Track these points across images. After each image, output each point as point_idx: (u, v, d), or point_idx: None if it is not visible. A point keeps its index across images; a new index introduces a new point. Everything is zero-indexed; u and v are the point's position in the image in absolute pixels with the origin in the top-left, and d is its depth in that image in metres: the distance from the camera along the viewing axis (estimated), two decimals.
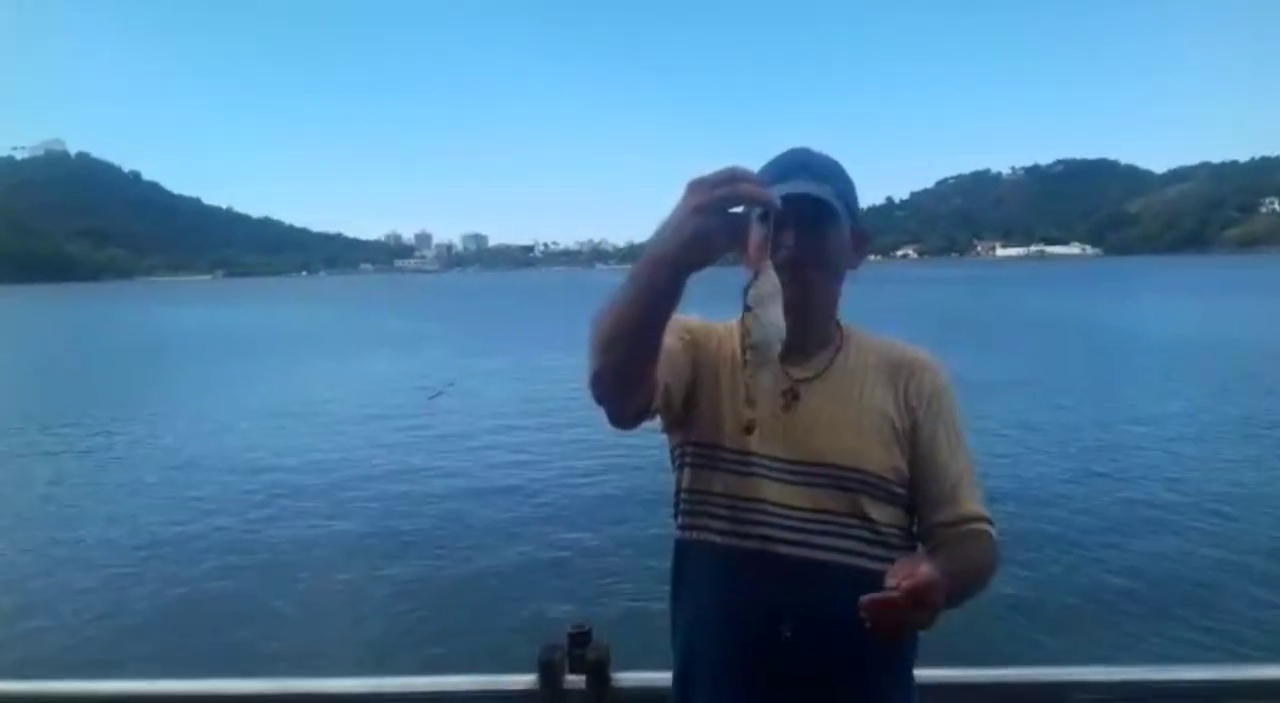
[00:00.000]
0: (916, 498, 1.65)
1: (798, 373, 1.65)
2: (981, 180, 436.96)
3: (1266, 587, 7.64)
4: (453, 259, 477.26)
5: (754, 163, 1.61)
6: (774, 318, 1.31)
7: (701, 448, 1.67)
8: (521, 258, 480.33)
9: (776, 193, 1.44)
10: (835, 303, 1.70)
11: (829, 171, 1.66)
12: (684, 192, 1.26)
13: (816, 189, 1.58)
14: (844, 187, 1.66)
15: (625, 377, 1.46)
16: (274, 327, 51.08)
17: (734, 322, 1.69)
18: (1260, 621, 6.98)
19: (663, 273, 1.29)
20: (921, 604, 1.27)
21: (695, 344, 1.68)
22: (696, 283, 1.39)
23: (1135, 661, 6.05)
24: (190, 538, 9.68)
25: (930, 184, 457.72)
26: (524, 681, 1.77)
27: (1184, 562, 8.33)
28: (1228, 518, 9.64)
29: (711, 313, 1.73)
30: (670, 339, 1.54)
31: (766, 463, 1.61)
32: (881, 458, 1.62)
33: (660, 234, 1.28)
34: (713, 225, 1.24)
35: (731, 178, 1.25)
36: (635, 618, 6.44)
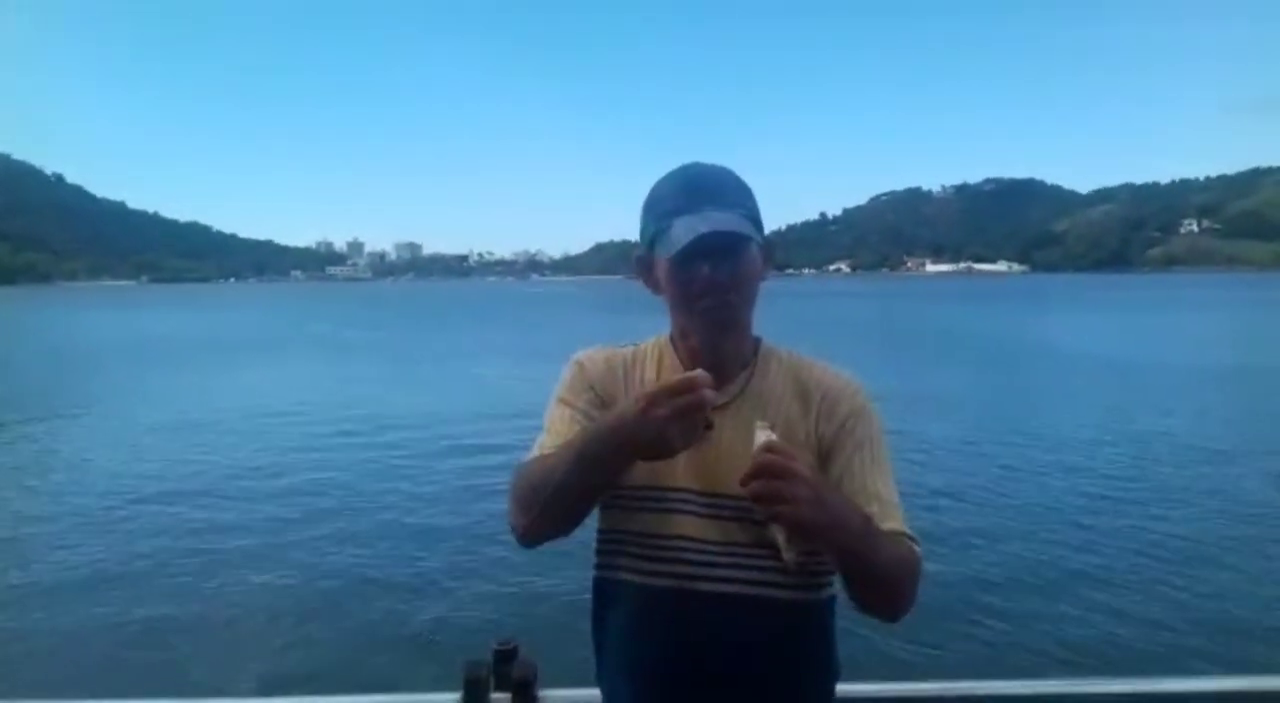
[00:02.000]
0: None
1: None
2: (913, 197, 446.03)
3: (1176, 601, 7.78)
4: (385, 267, 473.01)
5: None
6: None
7: (617, 488, 1.61)
8: (456, 267, 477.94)
9: (690, 230, 1.49)
10: (750, 322, 1.66)
11: (731, 192, 1.58)
12: (642, 399, 1.32)
13: (730, 222, 1.51)
14: (749, 203, 1.60)
15: (558, 533, 1.53)
16: (200, 334, 49.32)
17: (646, 344, 1.73)
18: (1168, 633, 7.10)
19: (616, 462, 1.39)
20: (777, 473, 1.27)
21: (603, 407, 1.65)
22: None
23: (1048, 674, 6.22)
24: (97, 554, 9.35)
25: (863, 201, 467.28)
26: (448, 699, 1.74)
27: (1097, 576, 8.40)
28: (1140, 532, 9.79)
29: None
30: (585, 424, 1.59)
31: (679, 497, 1.59)
32: None
33: (615, 426, 1.36)
34: (673, 430, 1.29)
35: (690, 386, 1.30)
36: (563, 635, 6.14)
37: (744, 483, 1.29)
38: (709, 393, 1.29)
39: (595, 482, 1.43)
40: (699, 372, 1.32)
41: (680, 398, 1.29)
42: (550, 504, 1.45)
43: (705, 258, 1.52)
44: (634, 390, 1.63)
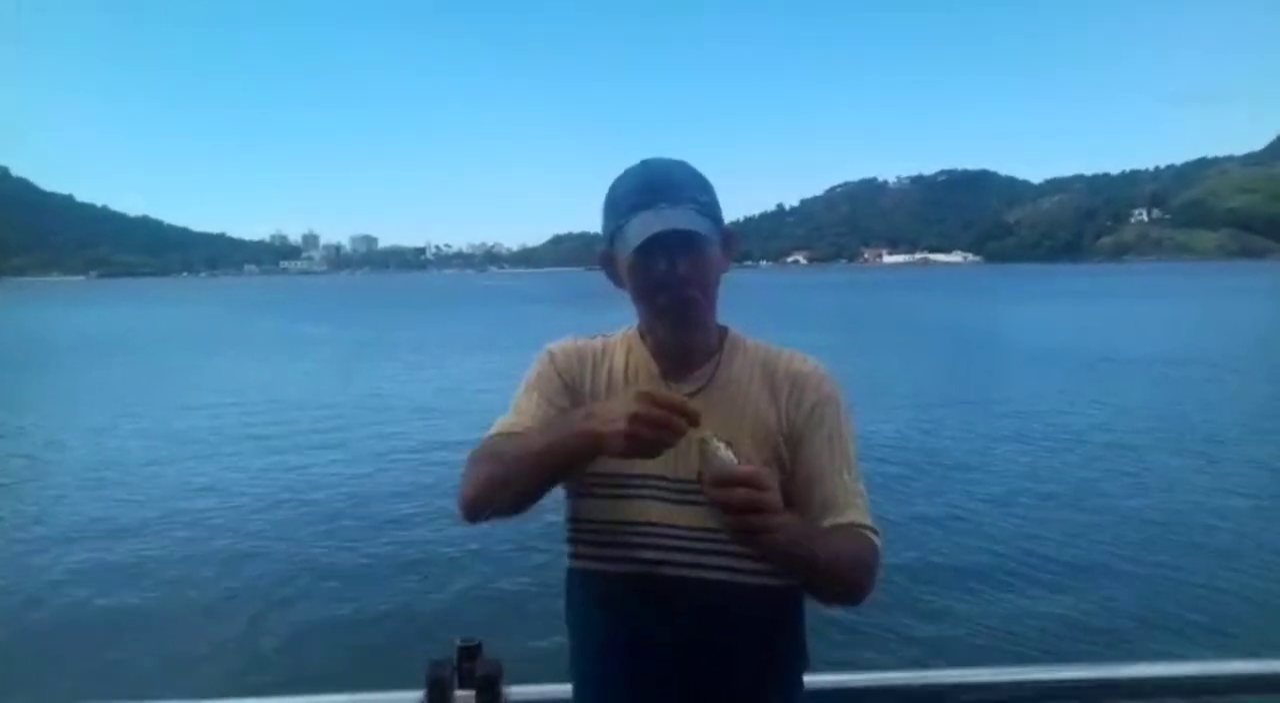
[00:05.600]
0: (797, 511, 1.56)
1: (680, 389, 1.60)
2: (869, 188, 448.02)
3: (1141, 586, 7.90)
4: (341, 261, 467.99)
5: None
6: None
7: (584, 476, 1.62)
8: (413, 260, 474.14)
9: (645, 227, 1.52)
10: (714, 312, 1.67)
11: (688, 187, 1.60)
12: (633, 396, 1.32)
13: (684, 219, 1.54)
14: (705, 197, 1.61)
15: (511, 512, 1.52)
16: (154, 330, 48.81)
17: (615, 336, 1.74)
18: (1138, 619, 7.21)
19: (584, 451, 1.39)
20: (749, 499, 1.25)
21: (572, 399, 1.67)
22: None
23: (1018, 661, 6.27)
24: (54, 554, 9.24)
25: (820, 192, 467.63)
26: (410, 698, 1.73)
27: (1063, 562, 8.52)
28: (1101, 517, 9.93)
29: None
30: (550, 410, 1.63)
31: (651, 483, 1.58)
32: None
33: (593, 416, 1.37)
34: (648, 435, 1.29)
35: (683, 409, 1.30)
36: (528, 631, 6.25)
37: (727, 509, 1.26)
38: (690, 422, 1.30)
39: (566, 466, 1.45)
40: (693, 407, 1.31)
41: (665, 409, 1.30)
42: (516, 480, 1.47)
43: (663, 254, 1.54)
44: (601, 380, 1.68)
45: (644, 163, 1.64)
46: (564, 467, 1.45)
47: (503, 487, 1.47)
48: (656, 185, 1.58)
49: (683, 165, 1.64)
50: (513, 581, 8.04)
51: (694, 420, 1.29)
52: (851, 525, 1.54)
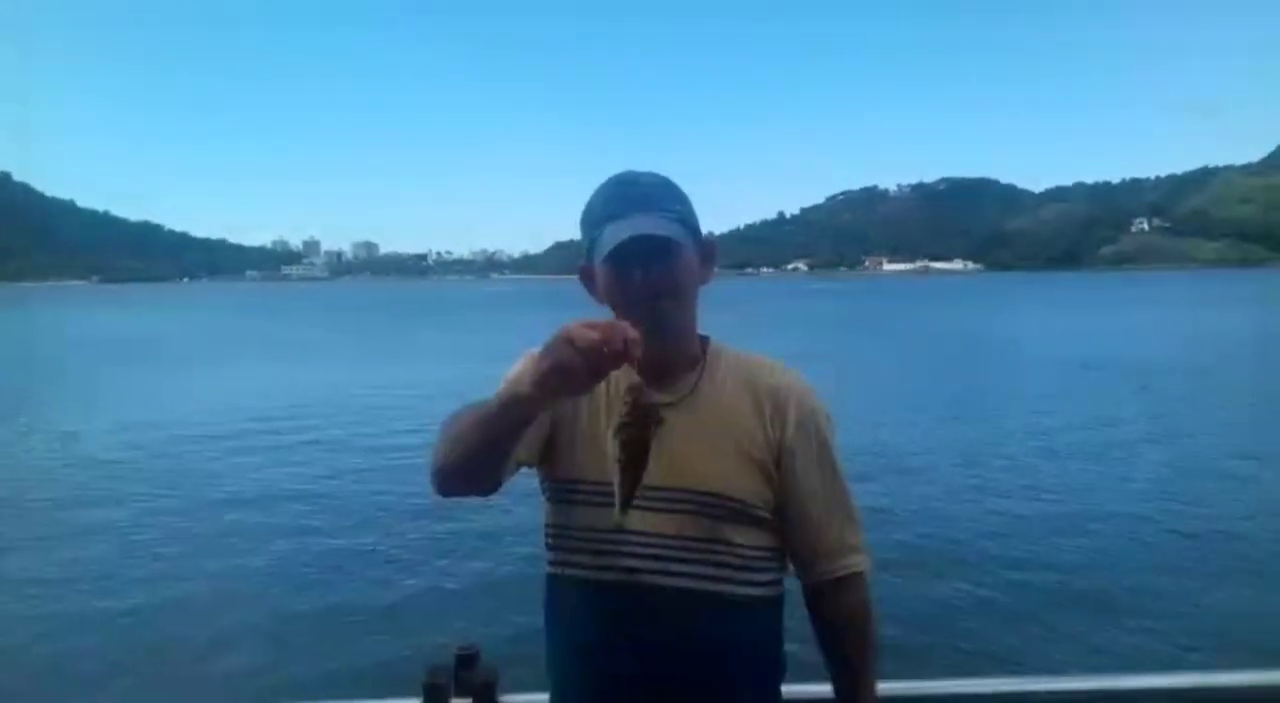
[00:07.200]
0: (786, 526, 1.63)
1: (661, 398, 1.59)
2: (870, 197, 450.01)
3: (1139, 596, 7.87)
4: (342, 267, 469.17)
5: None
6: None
7: (563, 483, 1.66)
8: (414, 267, 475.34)
9: (615, 235, 1.54)
10: (693, 322, 1.68)
11: (662, 197, 1.62)
12: (566, 329, 1.30)
13: (655, 225, 1.56)
14: (680, 207, 1.63)
15: (469, 477, 1.53)
16: (154, 334, 48.51)
17: None
18: (1136, 629, 7.18)
19: (509, 406, 1.40)
20: None
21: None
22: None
23: (1015, 672, 6.23)
24: (50, 559, 9.17)
25: (821, 199, 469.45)
26: None
27: (1059, 572, 8.47)
28: (1098, 527, 9.86)
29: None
30: None
31: None
32: (745, 482, 1.60)
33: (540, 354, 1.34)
34: (578, 363, 1.28)
35: (614, 330, 1.29)
36: (524, 640, 6.16)
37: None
38: (626, 346, 1.29)
39: (513, 413, 1.41)
40: (633, 333, 1.30)
41: (598, 332, 1.28)
42: (461, 438, 1.47)
43: (637, 262, 1.56)
44: None
45: (617, 176, 1.66)
46: (500, 426, 1.43)
47: (452, 444, 1.48)
48: (629, 196, 1.60)
49: (656, 176, 1.66)
50: (510, 587, 7.94)
51: (633, 343, 1.29)
52: (843, 558, 1.63)
